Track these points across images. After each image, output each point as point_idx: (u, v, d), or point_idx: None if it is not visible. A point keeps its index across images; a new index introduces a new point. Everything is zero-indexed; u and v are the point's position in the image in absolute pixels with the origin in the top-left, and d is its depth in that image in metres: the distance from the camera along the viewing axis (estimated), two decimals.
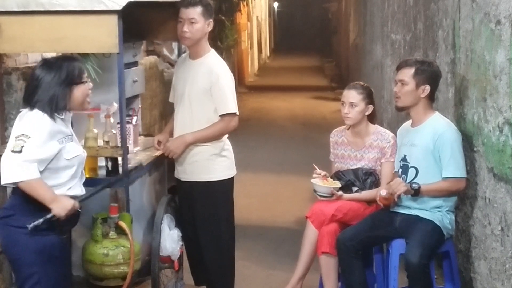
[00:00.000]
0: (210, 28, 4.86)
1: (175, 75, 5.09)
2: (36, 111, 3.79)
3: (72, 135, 3.94)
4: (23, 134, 3.70)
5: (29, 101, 3.82)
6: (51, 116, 3.79)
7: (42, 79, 3.83)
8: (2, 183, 3.72)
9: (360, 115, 4.94)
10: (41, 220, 3.74)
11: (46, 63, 3.90)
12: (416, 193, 4.47)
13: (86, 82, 3.96)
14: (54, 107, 3.81)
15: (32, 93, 3.83)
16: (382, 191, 4.55)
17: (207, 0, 4.88)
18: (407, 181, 4.59)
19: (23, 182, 3.68)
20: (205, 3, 4.82)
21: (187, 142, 4.82)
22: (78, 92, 3.90)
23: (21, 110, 3.90)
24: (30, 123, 3.75)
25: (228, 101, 4.82)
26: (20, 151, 3.65)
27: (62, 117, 3.86)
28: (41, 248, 3.78)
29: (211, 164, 4.88)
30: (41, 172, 3.72)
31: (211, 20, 4.85)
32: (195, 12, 4.76)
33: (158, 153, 5.09)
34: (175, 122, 4.98)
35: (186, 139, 4.82)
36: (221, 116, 4.82)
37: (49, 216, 3.76)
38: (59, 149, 3.80)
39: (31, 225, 3.72)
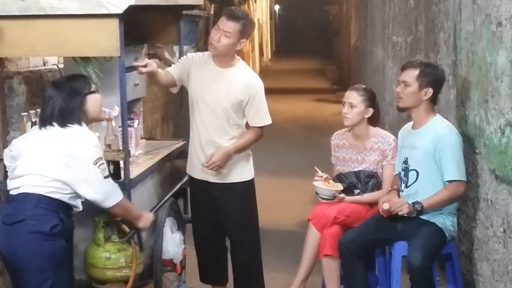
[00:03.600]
0: (241, 47, 4.84)
1: (193, 71, 4.87)
2: (77, 127, 4.01)
3: None
4: (99, 158, 3.98)
5: (63, 119, 4.01)
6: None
7: (58, 98, 4.04)
8: (109, 206, 4.05)
9: (359, 116, 4.94)
10: (132, 233, 4.35)
11: (55, 85, 4.13)
12: (419, 213, 4.46)
13: (96, 91, 4.17)
14: (79, 119, 4.04)
15: (61, 114, 4.01)
16: (385, 205, 4.54)
17: (251, 20, 4.85)
18: (408, 184, 4.59)
19: (121, 203, 4.09)
20: (247, 23, 4.77)
21: (230, 154, 4.86)
22: (92, 101, 4.11)
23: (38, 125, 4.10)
24: (90, 142, 3.98)
25: (266, 113, 4.93)
26: (109, 175, 4.04)
27: None
28: (53, 252, 3.82)
29: (245, 164, 5.00)
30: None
31: (245, 40, 4.80)
32: (233, 27, 4.69)
33: (160, 156, 5.10)
34: (201, 126, 4.88)
35: (229, 151, 4.84)
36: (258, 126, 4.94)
37: (134, 231, 4.34)
38: None
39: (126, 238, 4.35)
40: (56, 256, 3.84)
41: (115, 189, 4.07)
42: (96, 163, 3.94)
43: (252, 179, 5.06)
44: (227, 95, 4.81)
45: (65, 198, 3.92)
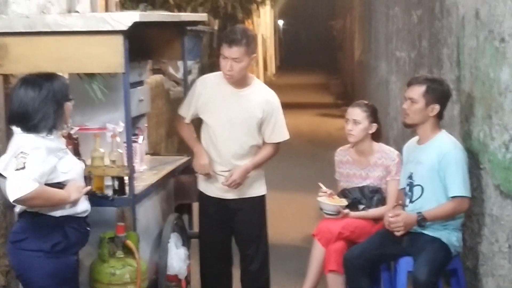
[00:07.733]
0: (254, 62, 4.79)
1: (206, 101, 4.84)
2: (32, 135, 3.77)
3: (66, 148, 3.99)
4: (22, 152, 3.66)
5: (25, 125, 3.79)
6: (48, 134, 3.80)
7: (31, 99, 3.80)
8: (11, 199, 3.64)
9: (363, 132, 4.94)
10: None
11: (28, 82, 3.85)
12: (420, 224, 4.47)
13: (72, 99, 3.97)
14: (51, 127, 3.80)
15: (25, 116, 3.79)
16: (388, 216, 4.56)
17: (252, 35, 4.75)
18: (413, 199, 4.59)
19: (32, 195, 3.60)
20: (249, 40, 4.69)
21: (249, 171, 4.89)
22: (68, 109, 3.93)
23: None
24: (27, 143, 3.73)
25: (284, 129, 4.96)
26: (24, 168, 3.62)
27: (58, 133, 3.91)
28: (56, 270, 3.80)
29: (260, 178, 5.06)
30: None
31: (255, 55, 4.76)
32: (239, 51, 4.65)
33: (164, 172, 5.10)
34: (219, 146, 4.87)
35: (248, 169, 4.87)
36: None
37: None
38: (55, 162, 3.79)
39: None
40: (59, 274, 3.81)
41: (24, 181, 3.59)
42: (17, 155, 3.66)
43: (265, 194, 5.09)
44: (246, 115, 4.81)
45: (64, 212, 3.85)
